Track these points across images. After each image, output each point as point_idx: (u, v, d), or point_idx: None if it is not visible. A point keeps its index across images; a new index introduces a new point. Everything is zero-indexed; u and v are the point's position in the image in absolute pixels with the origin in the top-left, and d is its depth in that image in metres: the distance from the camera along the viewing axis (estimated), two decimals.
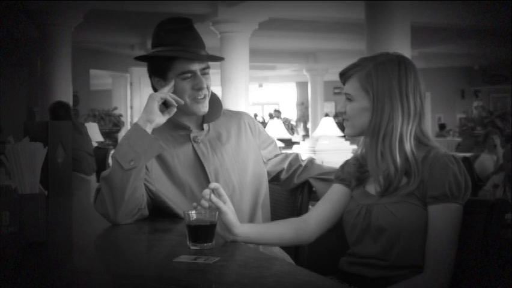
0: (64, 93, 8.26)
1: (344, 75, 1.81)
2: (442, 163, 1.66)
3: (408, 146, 1.71)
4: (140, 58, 2.08)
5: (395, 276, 1.68)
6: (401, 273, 1.67)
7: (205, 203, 1.63)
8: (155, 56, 2.00)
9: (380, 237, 1.70)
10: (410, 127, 1.73)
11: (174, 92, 1.96)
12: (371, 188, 1.79)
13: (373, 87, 1.73)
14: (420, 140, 1.74)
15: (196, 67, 1.98)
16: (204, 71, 2.00)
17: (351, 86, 1.78)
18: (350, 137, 1.85)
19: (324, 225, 1.85)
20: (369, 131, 1.76)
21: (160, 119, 1.92)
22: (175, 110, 1.95)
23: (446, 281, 1.62)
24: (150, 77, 2.05)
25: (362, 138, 1.84)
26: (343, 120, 1.82)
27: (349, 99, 1.78)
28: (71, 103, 7.73)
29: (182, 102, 1.96)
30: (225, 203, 1.65)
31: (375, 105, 1.73)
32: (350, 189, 1.85)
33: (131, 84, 13.32)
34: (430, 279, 1.61)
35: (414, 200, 1.67)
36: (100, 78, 16.23)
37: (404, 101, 1.73)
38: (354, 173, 1.84)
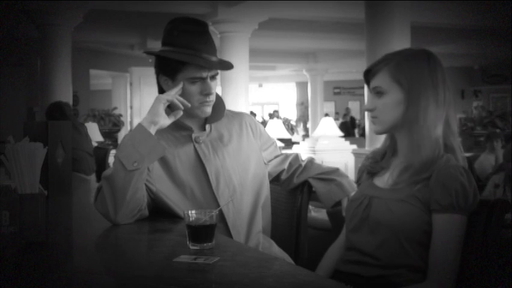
0: (64, 93, 8.27)
1: (370, 72, 1.78)
2: (451, 172, 1.63)
3: (440, 132, 1.70)
4: (150, 53, 2.04)
5: (392, 275, 1.67)
6: (398, 272, 1.67)
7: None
8: (166, 56, 1.98)
9: (376, 231, 1.70)
10: (441, 115, 1.72)
11: (182, 95, 1.94)
12: (380, 182, 1.79)
13: (406, 77, 1.71)
14: (446, 144, 1.72)
15: (206, 73, 1.96)
16: (213, 77, 2.00)
17: (382, 80, 1.74)
18: (378, 134, 1.81)
19: None
20: (405, 122, 1.72)
21: (165, 121, 1.91)
22: (181, 113, 1.94)
23: None
24: (157, 74, 2.02)
25: (384, 136, 1.83)
26: (372, 117, 1.79)
27: (380, 92, 1.75)
28: (71, 103, 7.72)
29: (189, 105, 1.94)
30: None
31: (410, 95, 1.71)
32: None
33: (131, 84, 13.30)
34: None
35: (416, 202, 1.66)
36: (100, 78, 16.23)
37: (437, 90, 1.71)
38: (368, 166, 1.85)
